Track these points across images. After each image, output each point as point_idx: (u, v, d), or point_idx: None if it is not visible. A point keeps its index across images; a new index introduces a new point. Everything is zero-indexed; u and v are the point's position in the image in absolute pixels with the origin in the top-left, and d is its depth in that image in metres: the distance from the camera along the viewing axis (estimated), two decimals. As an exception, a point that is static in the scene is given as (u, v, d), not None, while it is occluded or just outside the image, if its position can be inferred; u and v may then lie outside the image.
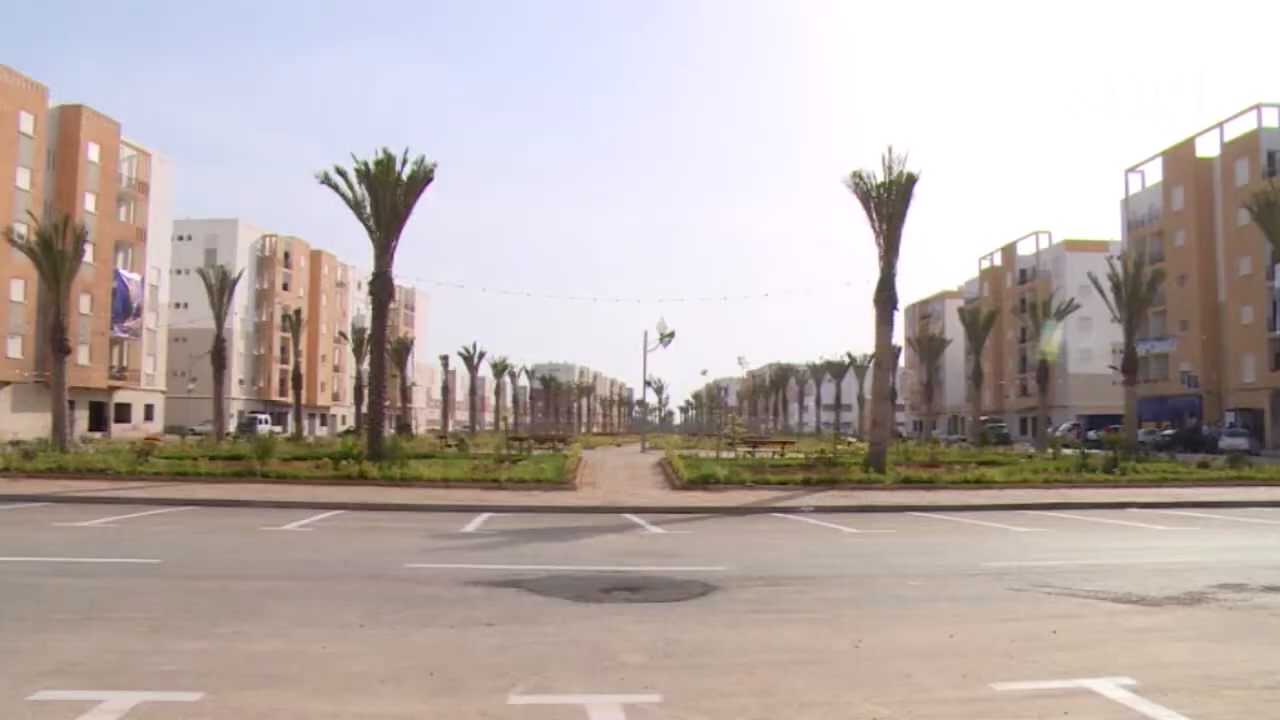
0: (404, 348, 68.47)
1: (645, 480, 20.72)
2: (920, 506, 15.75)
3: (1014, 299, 78.74)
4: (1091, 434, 47.71)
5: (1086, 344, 73.47)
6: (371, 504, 15.01)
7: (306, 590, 7.47)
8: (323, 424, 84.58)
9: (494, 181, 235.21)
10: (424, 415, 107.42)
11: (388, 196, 23.08)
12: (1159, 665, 5.35)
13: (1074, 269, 70.55)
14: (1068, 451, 29.64)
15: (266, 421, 61.37)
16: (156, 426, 56.64)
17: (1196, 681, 5.03)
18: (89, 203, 50.90)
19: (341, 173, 23.22)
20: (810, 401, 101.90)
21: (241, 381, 75.32)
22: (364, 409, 44.91)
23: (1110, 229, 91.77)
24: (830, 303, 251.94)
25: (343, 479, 18.45)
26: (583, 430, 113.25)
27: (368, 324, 38.15)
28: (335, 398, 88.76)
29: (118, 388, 54.83)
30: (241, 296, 69.18)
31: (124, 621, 6.15)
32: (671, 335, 36.49)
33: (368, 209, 23.33)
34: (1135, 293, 34.01)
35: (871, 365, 28.80)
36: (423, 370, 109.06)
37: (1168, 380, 57.93)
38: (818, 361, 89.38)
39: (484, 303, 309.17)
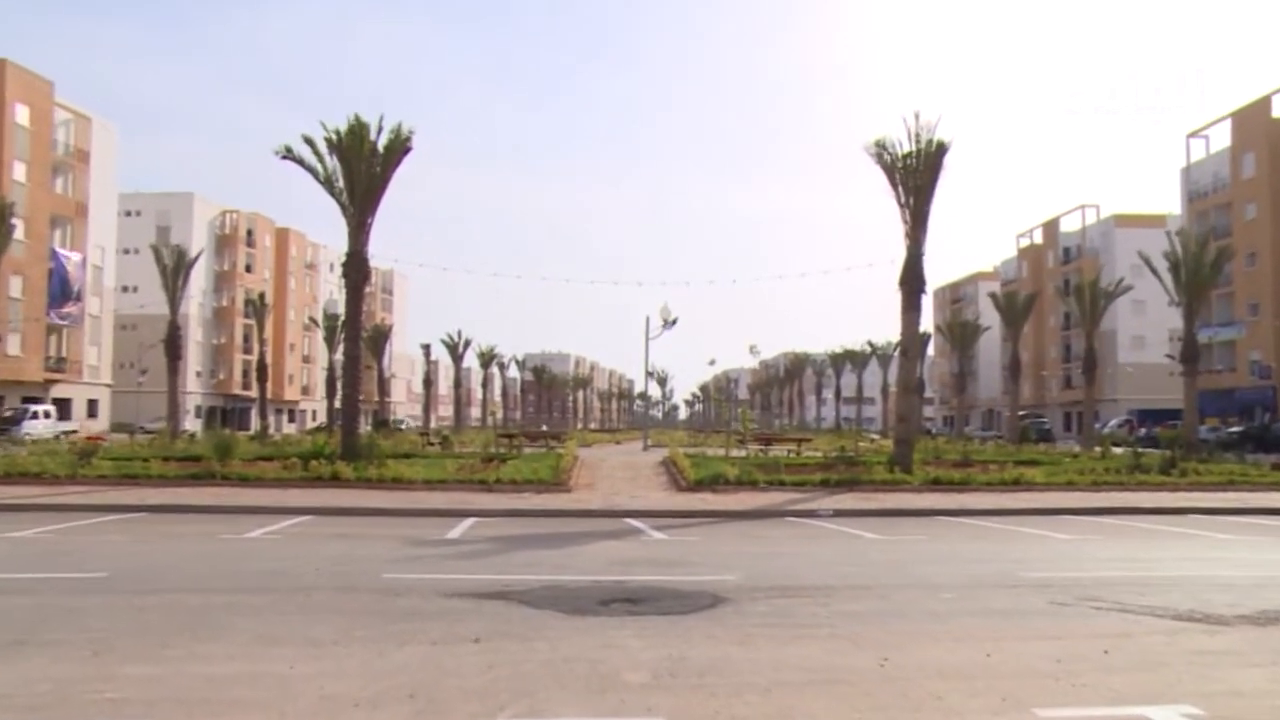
0: (381, 336, 68.53)
1: (647, 481, 20.73)
2: (951, 510, 15.73)
3: (1057, 280, 77.84)
4: (1145, 431, 47.36)
5: (1140, 330, 72.43)
6: (345, 508, 15.02)
7: (272, 604, 7.44)
8: (291, 420, 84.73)
9: (481, 154, 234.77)
10: (404, 410, 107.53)
11: (362, 168, 22.99)
12: (1231, 693, 5.18)
13: (1125, 246, 68.99)
14: (1118, 450, 29.43)
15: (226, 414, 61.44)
16: (101, 424, 56.02)
17: (1277, 714, 4.87)
18: (18, 172, 49.51)
19: (309, 142, 23.11)
20: (829, 394, 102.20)
21: (199, 373, 75.03)
22: (337, 403, 44.94)
23: (1167, 201, 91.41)
24: (850, 286, 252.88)
25: (313, 481, 18.45)
26: (579, 426, 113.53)
27: (341, 310, 38.18)
28: (305, 391, 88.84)
29: (55, 381, 53.48)
30: (198, 279, 68.51)
31: (62, 645, 5.98)
32: (675, 321, 36.41)
33: (340, 182, 23.24)
34: (1197, 272, 33.64)
35: (896, 354, 28.75)
36: (402, 361, 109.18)
37: (1234, 371, 55.95)
38: (837, 350, 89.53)
39: (470, 287, 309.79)
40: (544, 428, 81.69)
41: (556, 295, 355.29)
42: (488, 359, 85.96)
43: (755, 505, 16.28)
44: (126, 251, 66.87)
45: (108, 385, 59.76)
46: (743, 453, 24.66)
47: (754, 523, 14.54)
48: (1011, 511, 15.65)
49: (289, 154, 22.94)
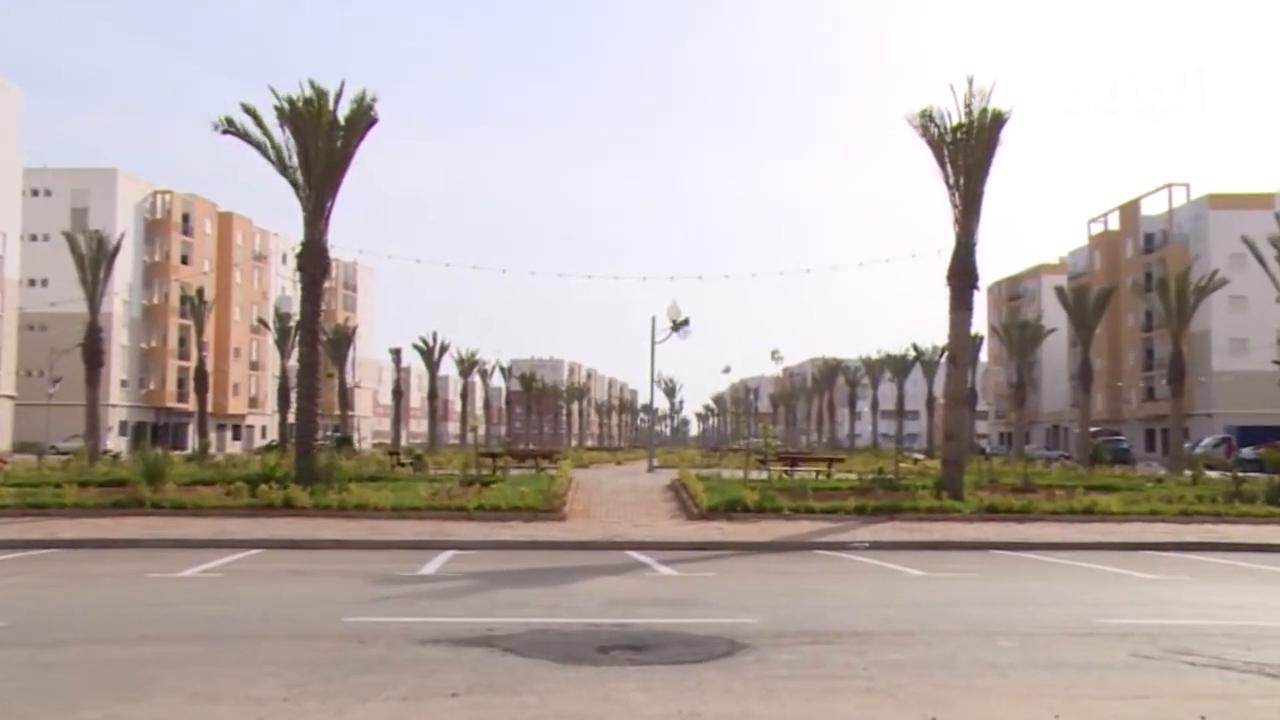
0: (344, 339, 68.85)
1: (653, 507, 20.71)
2: (1009, 544, 15.68)
3: (1136, 272, 77.11)
4: (1247, 451, 46.73)
5: (1240, 331, 70.27)
6: (301, 540, 15.02)
7: (210, 655, 7.39)
8: (236, 438, 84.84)
9: (461, 130, 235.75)
10: (370, 425, 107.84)
11: (319, 143, 23.03)
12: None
13: (1222, 232, 67.26)
14: (1213, 474, 29.26)
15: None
16: (2, 444, 55.44)
17: None
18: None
19: (253, 113, 23.06)
20: (864, 407, 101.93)
21: (125, 383, 74.44)
22: (291, 418, 44.93)
23: (1275, 177, 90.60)
24: (890, 281, 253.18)
25: (262, 509, 18.46)
26: (574, 444, 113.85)
27: (295, 308, 38.10)
28: (253, 403, 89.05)
29: (-62, 393, 52.31)
30: (124, 271, 67.46)
31: (-61, 716, 5.82)
32: (686, 322, 36.45)
33: (293, 160, 23.28)
34: (1316, 261, 33.40)
35: (944, 360, 28.68)
36: (368, 368, 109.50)
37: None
38: (874, 356, 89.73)
39: (448, 283, 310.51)
40: (533, 446, 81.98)
41: (548, 293, 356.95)
42: (468, 366, 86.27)
43: (779, 536, 16.23)
44: (34, 238, 66.43)
45: (9, 397, 58.89)
46: (764, 475, 24.59)
47: (777, 556, 14.51)
48: (1082, 546, 15.59)
49: (231, 127, 22.95)
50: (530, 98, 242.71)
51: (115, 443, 62.77)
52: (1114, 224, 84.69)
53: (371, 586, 10.85)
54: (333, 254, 25.03)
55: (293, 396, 33.60)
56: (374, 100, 23.36)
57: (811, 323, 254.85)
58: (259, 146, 23.28)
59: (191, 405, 63.72)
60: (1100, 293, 53.59)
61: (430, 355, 75.91)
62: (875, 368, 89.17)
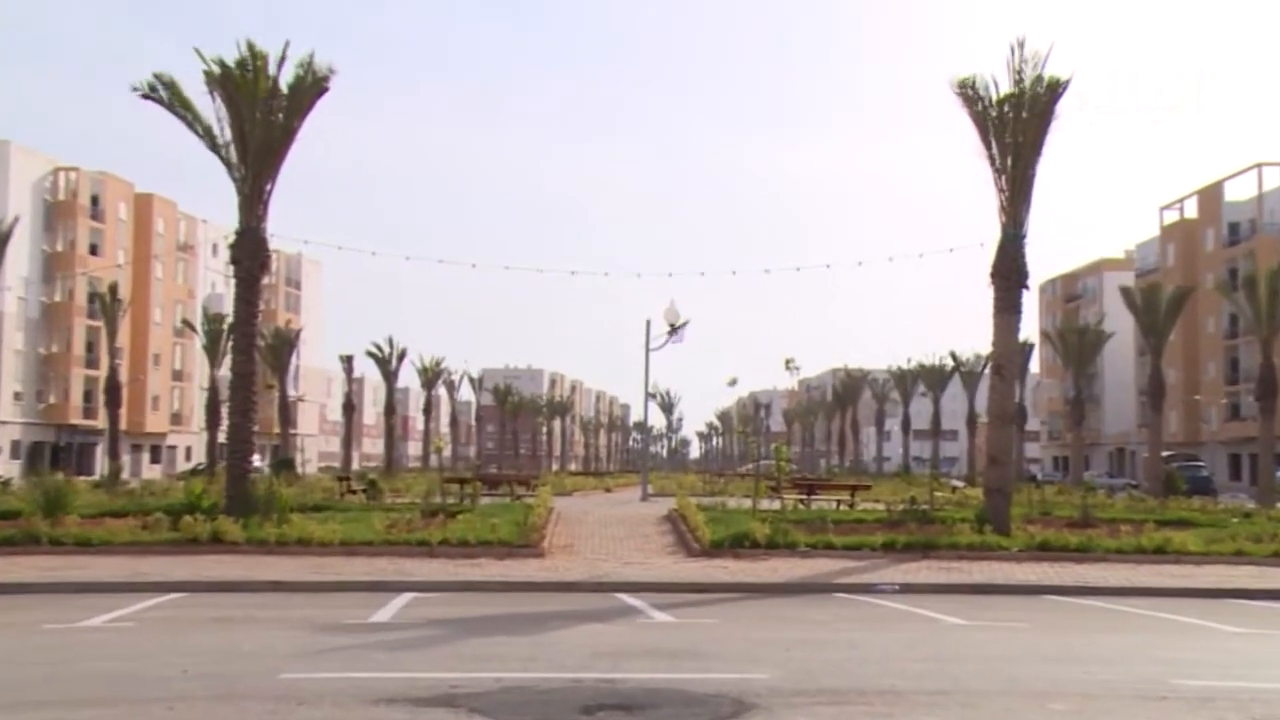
0: (286, 344, 68.71)
1: (647, 542, 20.70)
2: (1065, 588, 15.71)
3: (1218, 268, 76.34)
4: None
5: None
6: (231, 582, 14.99)
7: None
8: (155, 460, 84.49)
9: (427, 101, 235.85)
10: (316, 446, 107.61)
11: (258, 115, 23.00)
12: None
13: None
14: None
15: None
16: None
17: None
18: None
19: (169, 85, 22.95)
20: (894, 426, 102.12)
21: (19, 395, 73.46)
22: (221, 437, 44.85)
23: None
24: (925, 279, 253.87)
25: (186, 545, 18.41)
26: (555, 467, 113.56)
27: (229, 308, 38.07)
28: (176, 420, 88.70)
29: None
30: (18, 262, 65.72)
31: None
32: (685, 325, 36.47)
33: (226, 134, 23.27)
34: None
35: (987, 371, 28.72)
36: (315, 378, 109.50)
37: None
38: (905, 366, 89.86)
39: (408, 279, 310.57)
40: (507, 470, 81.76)
41: (526, 291, 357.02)
42: (431, 376, 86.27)
43: (793, 576, 16.23)
44: (-100, 222, 65.95)
45: None
46: (776, 505, 24.55)
47: (792, 600, 14.51)
48: (1154, 591, 15.63)
49: (151, 93, 22.91)
50: (506, 60, 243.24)
51: (6, 467, 62.34)
52: (1191, 211, 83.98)
53: (315, 636, 10.81)
54: (273, 244, 24.94)
55: (224, 412, 33.54)
56: (329, 72, 23.29)
57: (833, 328, 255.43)
58: (182, 117, 23.23)
59: (101, 422, 62.97)
60: (1174, 292, 53.48)
61: (387, 364, 75.84)
62: (907, 380, 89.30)
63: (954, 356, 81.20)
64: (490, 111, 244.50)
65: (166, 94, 23.06)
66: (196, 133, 23.32)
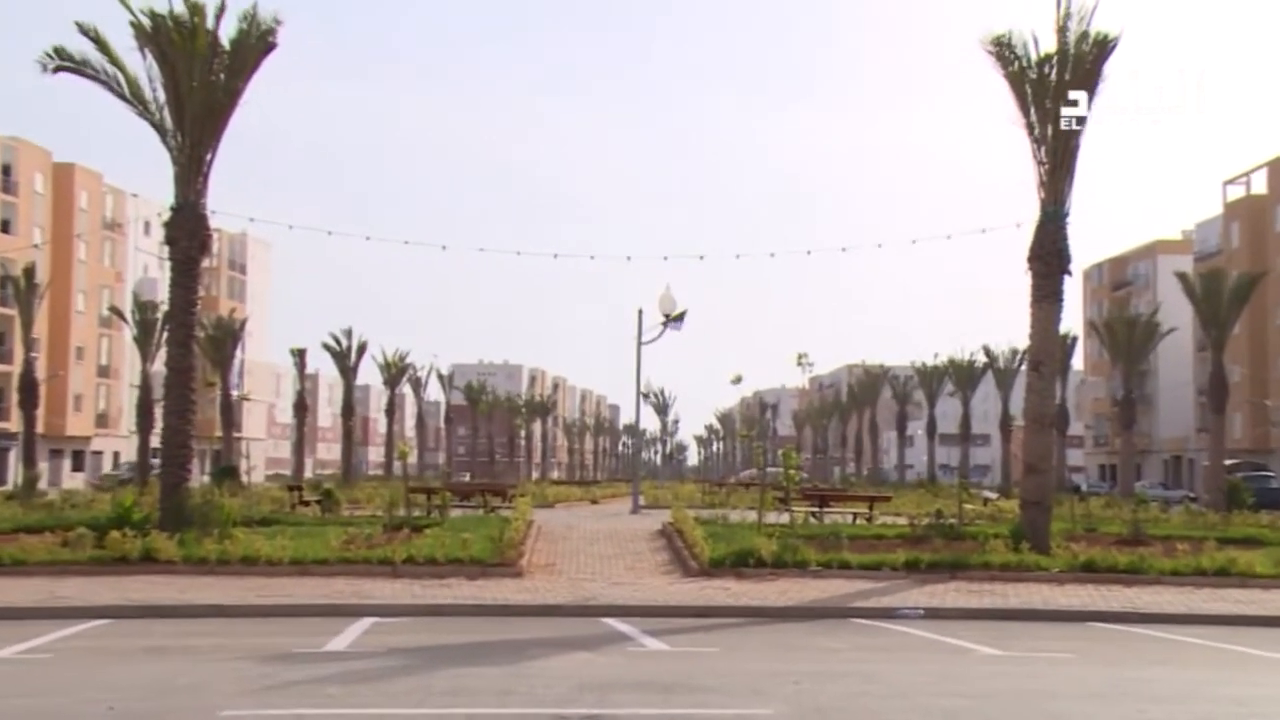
0: (229, 335, 68.64)
1: (639, 560, 20.71)
2: (1114, 614, 15.73)
3: (1292, 250, 76.57)
4: None
5: None
6: (166, 606, 14.94)
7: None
8: (78, 468, 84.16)
9: (390, 66, 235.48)
10: (263, 451, 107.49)
11: (196, 75, 22.89)
12: None
13: None
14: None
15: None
16: None
17: None
18: None
19: (94, 36, 22.76)
20: (918, 429, 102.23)
21: (-82, 395, 73.97)
22: (155, 441, 44.74)
23: None
24: (953, 264, 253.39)
25: (114, 564, 18.33)
26: (535, 475, 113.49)
27: (163, 294, 37.87)
28: (102, 422, 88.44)
29: None
30: None
31: None
32: (683, 315, 36.40)
33: (158, 96, 23.15)
34: None
35: (1024, 369, 28.74)
36: (263, 374, 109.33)
37: None
38: (931, 362, 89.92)
39: (369, 262, 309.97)
40: (481, 478, 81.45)
41: (502, 276, 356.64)
42: (395, 372, 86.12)
43: (804, 599, 16.24)
44: None
45: None
46: (784, 518, 24.53)
47: (802, 626, 14.52)
48: (1215, 619, 15.63)
49: (63, 57, 22.63)
50: (482, 20, 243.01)
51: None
52: (1260, 186, 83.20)
53: (261, 667, 10.77)
54: (214, 222, 24.88)
55: (158, 412, 33.41)
56: (276, 23, 23.18)
57: (848, 319, 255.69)
58: (104, 82, 22.96)
59: (15, 425, 62.86)
60: (1240, 278, 53.08)
61: (345, 358, 75.69)
62: (932, 378, 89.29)
63: (987, 351, 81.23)
64: (464, 77, 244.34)
65: (82, 55, 22.79)
66: (121, 95, 23.15)
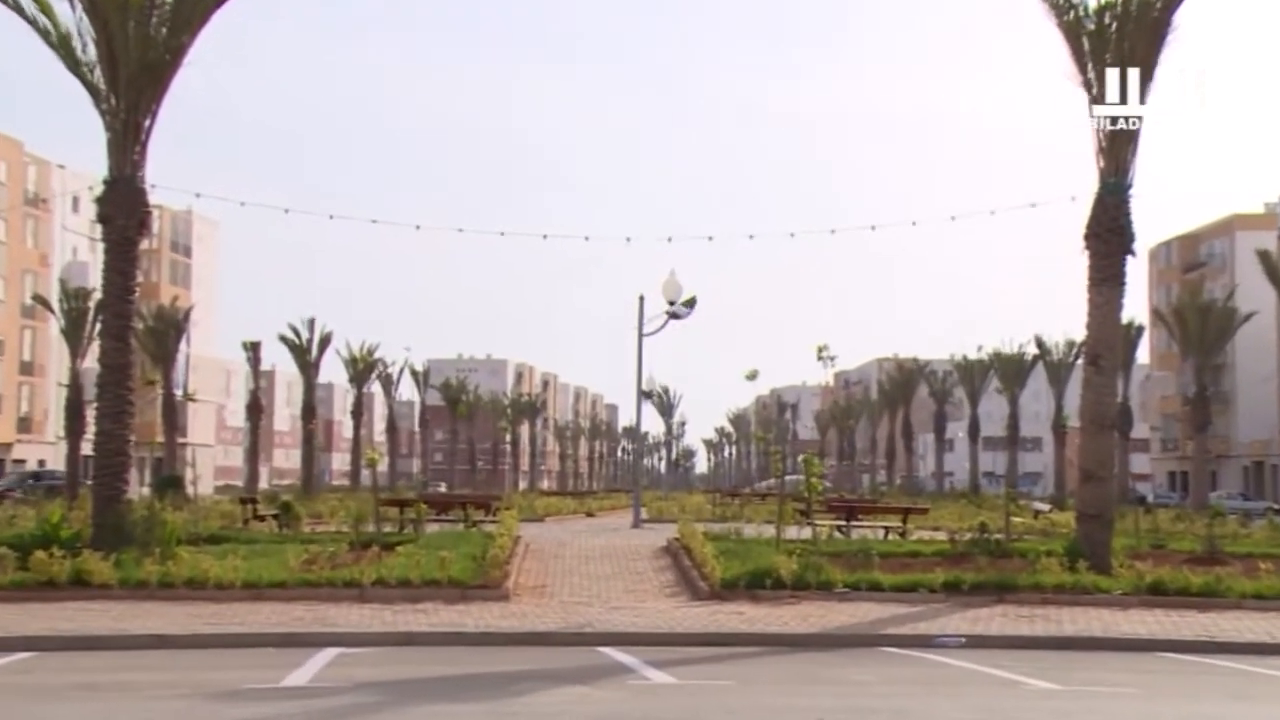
0: (172, 327, 68.62)
1: (641, 581, 20.77)
2: (1185, 643, 15.71)
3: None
4: None
5: None
6: (100, 637, 14.92)
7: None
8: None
9: (356, 23, 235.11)
10: (213, 459, 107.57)
11: (133, 26, 22.84)
12: None
13: None
14: None
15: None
16: None
17: None
18: None
19: None
20: (958, 432, 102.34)
21: None
22: (88, 447, 44.76)
23: None
24: (997, 243, 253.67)
25: (40, 589, 18.26)
26: (522, 485, 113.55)
27: (95, 279, 37.75)
28: (25, 426, 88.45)
29: None
30: None
31: None
32: (692, 303, 36.39)
33: (89, 50, 23.08)
34: None
35: (1080, 363, 28.70)
36: (211, 371, 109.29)
37: None
38: (973, 356, 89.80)
39: (331, 244, 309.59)
40: (461, 488, 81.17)
41: (484, 260, 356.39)
42: (363, 368, 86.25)
43: (829, 626, 16.25)
44: None
45: None
46: (806, 533, 24.54)
47: (826, 656, 14.52)
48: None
49: None
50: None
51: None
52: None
53: (210, 706, 10.75)
54: (155, 198, 24.86)
55: (90, 415, 33.38)
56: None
57: (878, 306, 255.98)
58: (31, 20, 22.94)
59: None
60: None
61: (305, 352, 75.77)
62: (975, 373, 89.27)
63: (1038, 343, 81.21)
64: (440, 40, 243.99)
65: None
66: (49, 41, 23.07)
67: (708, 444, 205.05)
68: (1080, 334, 28.71)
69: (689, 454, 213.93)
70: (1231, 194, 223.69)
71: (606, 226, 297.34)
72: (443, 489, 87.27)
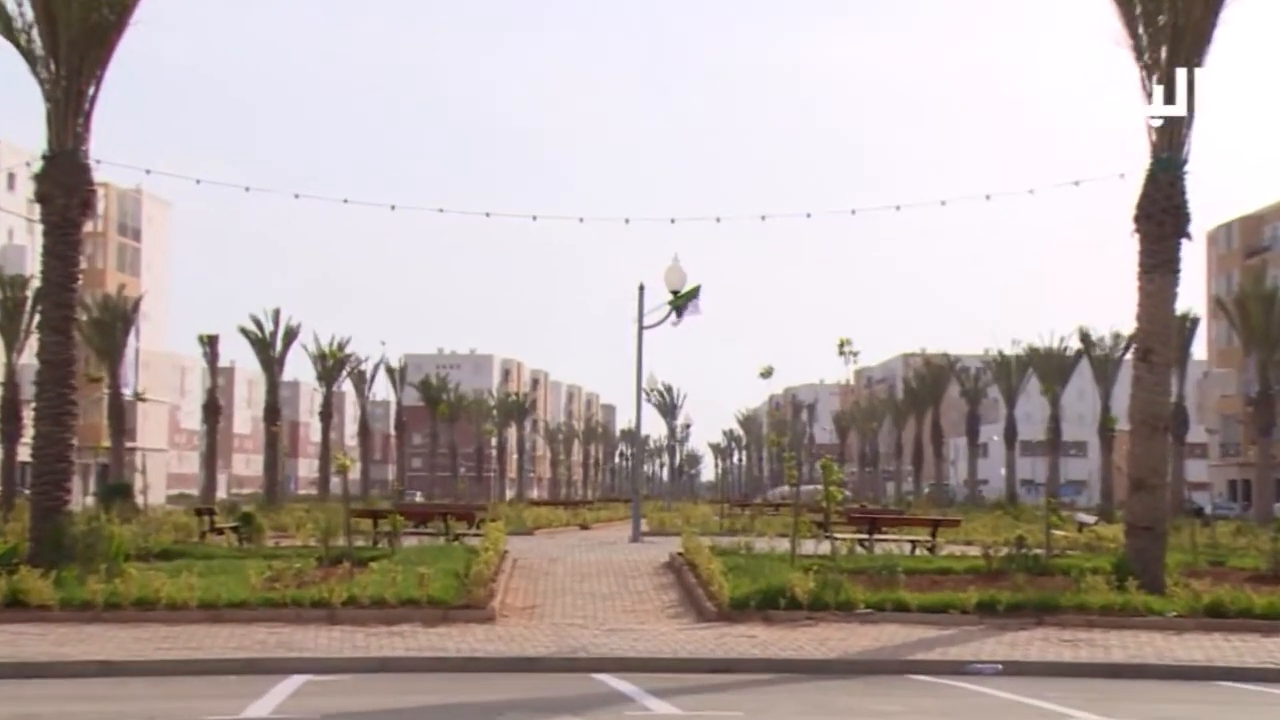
0: (119, 319, 68.44)
1: (641, 601, 20.84)
2: (1248, 670, 15.72)
3: None
4: None
5: None
6: (39, 664, 14.91)
7: None
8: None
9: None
10: (165, 465, 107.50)
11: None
12: None
13: None
14: None
15: None
16: None
17: None
18: None
19: None
20: (994, 435, 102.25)
21: None
22: (24, 453, 44.73)
23: None
24: (1036, 225, 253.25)
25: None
26: (509, 494, 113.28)
27: (32, 266, 37.63)
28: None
29: None
30: None
31: None
32: (697, 293, 36.37)
33: (24, 11, 22.99)
34: None
35: (1129, 358, 28.67)
36: (163, 368, 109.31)
37: None
38: (1011, 351, 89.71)
39: (297, 227, 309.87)
40: (442, 498, 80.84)
41: (466, 244, 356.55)
42: (333, 364, 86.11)
43: (849, 650, 16.26)
44: None
45: None
46: (824, 547, 24.55)
47: (847, 684, 14.53)
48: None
49: None
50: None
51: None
52: None
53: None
54: (100, 175, 24.81)
55: (29, 416, 33.33)
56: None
57: (904, 296, 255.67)
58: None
59: None
60: None
61: (268, 347, 75.74)
62: (1012, 370, 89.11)
63: (1083, 336, 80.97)
64: (419, 5, 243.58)
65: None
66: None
67: (715, 449, 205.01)
68: (1129, 326, 28.62)
69: (694, 460, 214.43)
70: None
71: (603, 207, 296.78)
72: (418, 499, 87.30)
